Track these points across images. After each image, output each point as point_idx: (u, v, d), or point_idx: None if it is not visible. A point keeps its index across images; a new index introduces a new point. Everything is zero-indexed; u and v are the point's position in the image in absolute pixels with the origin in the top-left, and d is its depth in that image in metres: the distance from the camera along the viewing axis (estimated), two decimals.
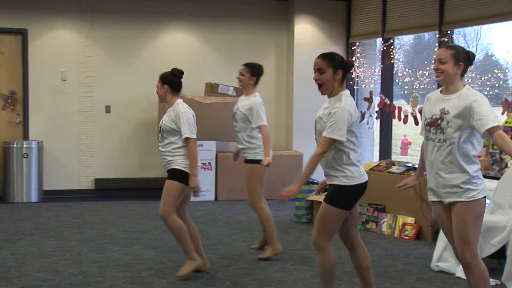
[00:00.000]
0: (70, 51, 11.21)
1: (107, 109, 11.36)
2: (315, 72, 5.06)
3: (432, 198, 4.89)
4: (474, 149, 4.70)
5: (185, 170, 6.24)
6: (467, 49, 4.82)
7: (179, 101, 6.43)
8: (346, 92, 5.02)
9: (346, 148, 4.89)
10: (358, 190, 4.92)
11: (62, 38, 11.19)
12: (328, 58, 5.00)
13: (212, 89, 11.01)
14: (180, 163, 6.26)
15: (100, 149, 11.34)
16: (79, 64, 11.23)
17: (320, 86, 5.08)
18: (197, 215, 9.55)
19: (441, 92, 4.79)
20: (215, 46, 11.74)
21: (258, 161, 7.12)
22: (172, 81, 6.47)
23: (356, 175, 4.90)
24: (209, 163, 10.87)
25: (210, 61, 11.56)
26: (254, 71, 7.33)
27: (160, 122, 6.46)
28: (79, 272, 6.53)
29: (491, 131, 4.48)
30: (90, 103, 11.29)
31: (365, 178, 4.99)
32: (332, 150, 4.90)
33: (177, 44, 11.58)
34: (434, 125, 4.72)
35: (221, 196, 10.87)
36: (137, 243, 7.85)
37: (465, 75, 4.81)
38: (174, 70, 6.58)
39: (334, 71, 4.97)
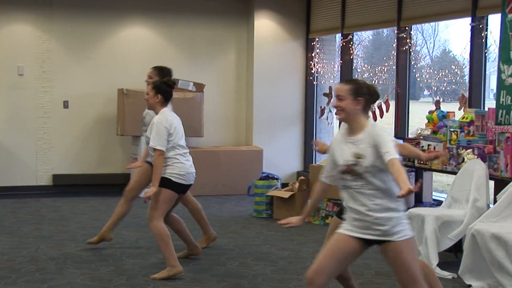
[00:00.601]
0: (27, 45, 11.06)
1: (65, 104, 11.24)
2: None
3: None
4: None
5: (170, 178, 6.25)
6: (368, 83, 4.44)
7: (166, 109, 6.42)
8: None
9: None
10: None
11: (19, 31, 11.03)
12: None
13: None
14: (165, 172, 6.25)
15: (58, 145, 11.22)
16: (37, 59, 11.08)
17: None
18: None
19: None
20: (175, 41, 11.68)
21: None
22: (166, 91, 6.46)
23: None
24: None
25: (169, 56, 11.49)
26: (163, 75, 7.15)
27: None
28: (36, 270, 6.46)
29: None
30: (48, 98, 11.15)
31: None
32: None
33: (137, 39, 11.50)
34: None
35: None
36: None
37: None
38: (168, 80, 6.64)
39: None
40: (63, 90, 11.18)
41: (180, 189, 6.40)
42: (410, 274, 4.20)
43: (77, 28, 11.26)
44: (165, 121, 6.29)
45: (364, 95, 4.29)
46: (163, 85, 6.47)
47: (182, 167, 6.33)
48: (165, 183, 6.24)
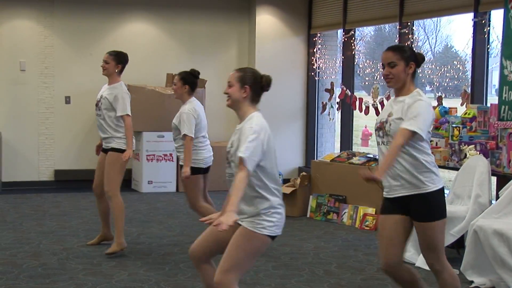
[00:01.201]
0: (29, 41, 11.05)
1: (67, 100, 11.23)
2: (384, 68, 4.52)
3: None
4: None
5: (193, 165, 6.80)
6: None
7: (194, 99, 6.99)
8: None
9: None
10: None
11: (21, 27, 11.02)
12: (399, 50, 4.51)
13: (173, 80, 10.92)
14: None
15: (60, 140, 11.21)
16: (39, 54, 11.08)
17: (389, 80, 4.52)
18: (158, 206, 9.50)
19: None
20: (177, 37, 11.66)
21: (123, 151, 6.99)
22: (193, 81, 6.98)
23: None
24: (170, 154, 10.82)
25: (171, 52, 11.48)
26: (119, 59, 7.18)
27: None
28: (38, 265, 6.46)
29: None
30: (49, 93, 11.14)
31: None
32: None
33: (139, 35, 11.48)
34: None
35: (182, 187, 10.80)
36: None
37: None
38: (194, 71, 7.04)
39: (406, 64, 4.46)
40: (65, 86, 11.17)
41: (198, 171, 6.89)
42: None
43: (79, 23, 11.25)
44: (194, 111, 6.83)
45: (250, 83, 4.41)
46: (190, 75, 6.98)
47: (199, 153, 6.90)
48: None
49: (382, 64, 4.53)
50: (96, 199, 7.32)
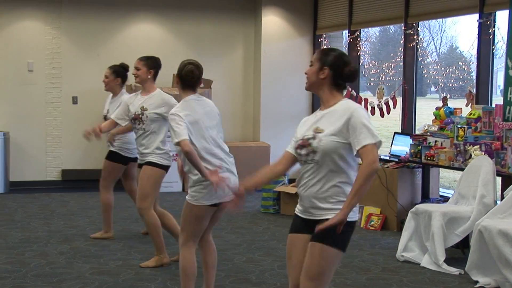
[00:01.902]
0: (37, 41, 11.07)
1: (74, 100, 11.25)
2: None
3: None
4: None
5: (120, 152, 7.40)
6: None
7: (124, 91, 7.57)
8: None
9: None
10: None
11: (29, 28, 11.04)
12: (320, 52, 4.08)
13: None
14: None
15: (67, 140, 11.22)
16: (47, 55, 11.09)
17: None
18: (164, 206, 9.49)
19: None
20: (183, 38, 11.67)
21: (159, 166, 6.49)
22: (124, 74, 7.57)
23: None
24: (176, 154, 10.77)
25: (178, 52, 11.48)
26: (151, 64, 6.70)
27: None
28: (46, 264, 6.46)
29: None
30: (57, 94, 11.16)
31: None
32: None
33: (145, 36, 11.48)
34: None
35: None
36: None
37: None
38: (124, 64, 7.56)
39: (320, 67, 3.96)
40: (72, 86, 11.19)
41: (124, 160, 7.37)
42: None
43: (86, 25, 11.26)
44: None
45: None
46: (121, 69, 7.48)
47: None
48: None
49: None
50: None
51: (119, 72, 7.64)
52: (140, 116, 6.42)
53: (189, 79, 5.20)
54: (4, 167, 10.65)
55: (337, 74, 3.90)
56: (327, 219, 3.76)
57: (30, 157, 11.12)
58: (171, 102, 6.38)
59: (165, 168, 6.48)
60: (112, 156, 7.39)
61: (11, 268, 6.26)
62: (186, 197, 5.05)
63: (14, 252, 6.89)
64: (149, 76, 6.59)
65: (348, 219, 3.78)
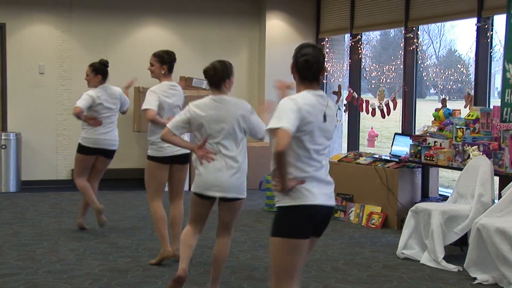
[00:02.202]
0: (48, 45, 11.09)
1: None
2: None
3: None
4: None
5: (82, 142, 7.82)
6: None
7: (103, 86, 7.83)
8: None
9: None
10: None
11: (40, 32, 11.06)
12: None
13: (186, 82, 10.95)
14: None
15: (77, 141, 11.19)
16: (57, 58, 11.11)
17: None
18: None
19: None
20: (190, 41, 11.67)
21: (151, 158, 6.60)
22: (104, 71, 7.87)
23: None
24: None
25: (184, 55, 11.46)
26: (163, 59, 6.59)
27: None
28: (56, 260, 6.47)
29: None
30: (67, 95, 11.17)
31: None
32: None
33: (153, 39, 11.48)
34: None
35: None
36: (113, 232, 7.80)
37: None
38: (103, 60, 7.85)
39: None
40: (82, 88, 11.08)
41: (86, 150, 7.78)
42: None
43: (96, 28, 11.28)
44: (96, 93, 7.67)
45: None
46: (101, 66, 7.81)
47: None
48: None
49: None
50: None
51: (99, 69, 7.81)
52: None
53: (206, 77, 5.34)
54: (16, 166, 10.67)
55: (298, 68, 4.01)
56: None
57: (41, 157, 11.14)
58: (146, 94, 6.53)
59: (159, 159, 6.49)
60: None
61: (23, 265, 6.27)
62: None
63: (26, 249, 6.90)
64: (162, 72, 6.56)
65: (281, 204, 3.82)
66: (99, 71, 7.80)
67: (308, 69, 3.95)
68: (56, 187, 10.96)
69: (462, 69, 9.41)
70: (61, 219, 8.47)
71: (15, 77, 10.95)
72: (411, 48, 9.45)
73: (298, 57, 3.97)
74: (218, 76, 5.27)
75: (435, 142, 7.85)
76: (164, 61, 6.56)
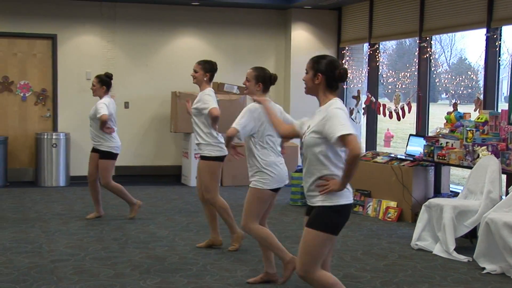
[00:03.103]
0: (94, 53, 11.18)
1: (126, 105, 11.33)
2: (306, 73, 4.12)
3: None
4: None
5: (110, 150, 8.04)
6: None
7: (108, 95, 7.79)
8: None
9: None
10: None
11: (87, 42, 11.16)
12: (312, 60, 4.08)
13: (218, 87, 10.97)
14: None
15: (120, 140, 11.28)
16: (102, 65, 11.19)
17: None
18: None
19: None
20: (222, 50, 11.69)
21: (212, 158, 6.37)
22: (108, 82, 7.90)
23: None
24: None
25: (217, 63, 11.50)
26: (207, 68, 6.53)
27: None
28: (101, 248, 6.51)
29: None
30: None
31: None
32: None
33: (188, 48, 11.54)
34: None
35: (226, 182, 10.84)
36: (152, 223, 7.83)
37: None
38: (108, 74, 7.98)
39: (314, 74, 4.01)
40: (124, 93, 11.27)
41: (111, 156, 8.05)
42: None
43: (137, 38, 11.35)
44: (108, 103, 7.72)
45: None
46: (106, 78, 7.84)
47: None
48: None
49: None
50: (202, 205, 6.79)
51: (104, 81, 7.90)
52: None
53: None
54: (65, 163, 10.78)
55: (329, 78, 3.95)
56: (318, 206, 3.86)
57: (87, 154, 11.14)
58: (204, 98, 6.40)
59: (221, 159, 6.40)
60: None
61: (71, 252, 6.33)
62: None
63: (74, 238, 6.96)
64: (205, 79, 6.52)
65: (331, 204, 3.83)
66: (104, 83, 7.88)
67: (341, 81, 3.99)
68: (100, 182, 11.00)
69: (472, 75, 9.32)
70: (105, 211, 8.51)
71: (65, 83, 11.05)
72: (425, 56, 9.38)
73: (333, 68, 3.95)
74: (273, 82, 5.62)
75: (447, 142, 7.78)
76: (208, 69, 6.54)
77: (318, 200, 3.88)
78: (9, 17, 10.77)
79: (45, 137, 10.60)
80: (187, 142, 10.88)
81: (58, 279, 5.40)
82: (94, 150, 8.11)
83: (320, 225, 3.85)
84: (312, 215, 3.90)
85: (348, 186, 3.90)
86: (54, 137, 10.63)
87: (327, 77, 3.94)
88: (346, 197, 3.89)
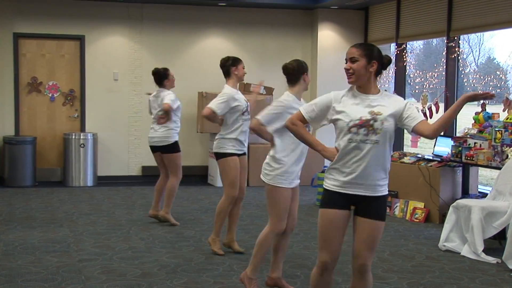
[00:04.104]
0: (122, 54, 11.26)
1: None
2: (346, 62, 3.94)
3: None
4: None
5: None
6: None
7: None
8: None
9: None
10: None
11: (115, 43, 11.24)
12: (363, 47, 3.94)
13: (245, 87, 10.98)
14: None
15: (146, 140, 11.23)
16: (130, 66, 11.28)
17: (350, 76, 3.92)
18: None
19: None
20: (248, 50, 11.71)
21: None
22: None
23: None
24: None
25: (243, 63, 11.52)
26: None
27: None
28: (128, 248, 6.56)
29: None
30: (138, 100, 11.33)
31: None
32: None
33: (215, 48, 11.56)
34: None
35: (252, 182, 10.85)
36: (179, 223, 7.86)
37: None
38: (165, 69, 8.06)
39: (368, 61, 3.86)
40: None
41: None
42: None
43: (164, 39, 11.40)
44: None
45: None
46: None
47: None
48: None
49: (346, 60, 3.94)
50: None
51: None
52: (247, 108, 6.62)
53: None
54: (93, 163, 10.87)
55: (380, 65, 3.92)
56: (381, 196, 3.82)
57: (114, 155, 11.31)
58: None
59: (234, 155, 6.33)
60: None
61: (99, 251, 6.38)
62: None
63: (102, 237, 7.02)
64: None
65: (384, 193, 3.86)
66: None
67: (386, 68, 4.01)
68: (128, 182, 11.12)
69: (501, 75, 9.23)
70: (132, 211, 8.59)
71: (93, 83, 11.14)
72: (453, 56, 9.30)
73: (383, 57, 3.96)
74: (291, 72, 5.41)
75: (475, 143, 7.71)
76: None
77: (383, 190, 3.85)
78: (37, 18, 10.90)
79: (73, 137, 10.70)
80: (213, 143, 10.88)
81: (86, 278, 5.45)
82: (157, 149, 8.10)
83: (384, 215, 3.89)
84: (377, 206, 3.83)
85: None
86: (82, 137, 10.73)
87: (379, 64, 3.90)
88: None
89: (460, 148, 7.80)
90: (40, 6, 10.89)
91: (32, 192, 9.97)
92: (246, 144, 6.49)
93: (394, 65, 10.95)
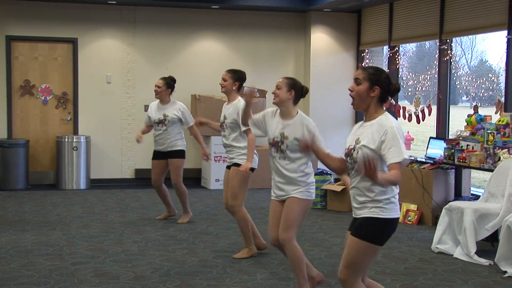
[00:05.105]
0: (114, 57, 11.25)
1: (146, 108, 11.36)
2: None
3: None
4: None
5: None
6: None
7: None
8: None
9: None
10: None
11: (108, 46, 11.23)
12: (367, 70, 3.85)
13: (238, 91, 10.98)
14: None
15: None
16: (122, 69, 11.27)
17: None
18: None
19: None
20: (241, 53, 11.72)
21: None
22: (173, 86, 8.09)
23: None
24: None
25: (236, 66, 11.38)
26: (237, 76, 6.48)
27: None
28: (121, 251, 6.55)
29: None
30: (131, 102, 11.32)
31: None
32: None
33: (208, 51, 11.57)
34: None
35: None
36: (172, 226, 7.86)
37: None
38: (172, 77, 8.08)
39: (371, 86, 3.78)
40: (144, 96, 11.32)
41: None
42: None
43: (157, 42, 11.40)
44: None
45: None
46: (171, 81, 8.06)
47: None
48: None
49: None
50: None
51: (170, 84, 8.07)
52: (222, 124, 6.41)
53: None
54: (86, 166, 10.85)
55: (385, 91, 3.80)
56: (363, 217, 3.80)
57: (108, 157, 11.30)
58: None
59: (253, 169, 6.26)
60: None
61: (92, 254, 6.37)
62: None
63: (95, 240, 7.01)
64: (234, 88, 6.43)
65: (384, 216, 3.79)
66: (169, 86, 8.18)
67: (393, 95, 3.93)
68: (121, 185, 11.10)
69: (493, 78, 9.29)
70: (126, 214, 8.58)
71: (85, 86, 11.13)
72: (445, 59, 9.33)
73: (389, 83, 3.82)
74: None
75: (467, 145, 7.74)
76: (237, 79, 6.45)
77: (365, 214, 3.81)
78: (30, 21, 10.89)
79: (66, 140, 10.69)
80: (206, 145, 10.90)
81: (79, 281, 5.44)
82: (161, 156, 8.13)
83: (371, 236, 3.83)
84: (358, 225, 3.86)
85: (396, 200, 3.85)
86: (74, 140, 10.71)
87: (383, 90, 3.78)
88: (398, 210, 3.90)
89: (453, 151, 7.82)
90: (32, 9, 10.88)
91: (24, 195, 9.95)
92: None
93: (387, 68, 10.97)
